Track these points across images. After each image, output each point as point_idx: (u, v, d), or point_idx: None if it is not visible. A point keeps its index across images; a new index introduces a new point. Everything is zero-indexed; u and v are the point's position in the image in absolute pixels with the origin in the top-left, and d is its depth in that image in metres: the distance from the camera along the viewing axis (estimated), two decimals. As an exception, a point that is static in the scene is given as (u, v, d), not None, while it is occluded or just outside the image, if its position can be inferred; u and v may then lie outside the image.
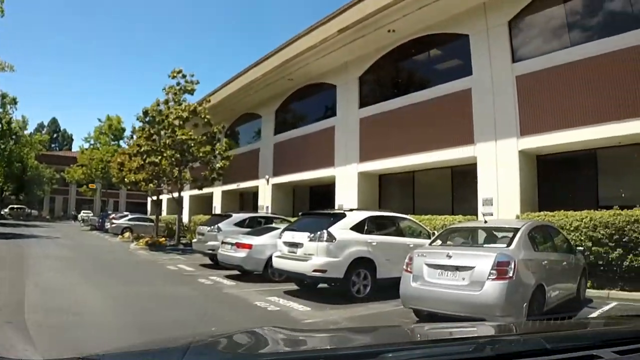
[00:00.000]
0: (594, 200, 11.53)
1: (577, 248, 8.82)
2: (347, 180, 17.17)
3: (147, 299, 8.67)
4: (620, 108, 10.38)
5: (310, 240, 9.11)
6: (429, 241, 8.22)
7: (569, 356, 1.57)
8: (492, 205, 12.47)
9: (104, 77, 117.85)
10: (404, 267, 7.12)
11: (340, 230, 9.17)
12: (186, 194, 28.49)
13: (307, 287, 9.97)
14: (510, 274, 6.05)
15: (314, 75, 19.58)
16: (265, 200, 22.60)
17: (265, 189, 22.73)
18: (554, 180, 12.81)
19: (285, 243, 9.79)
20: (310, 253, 9.04)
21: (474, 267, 6.25)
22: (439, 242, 7.81)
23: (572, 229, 9.96)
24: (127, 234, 25.63)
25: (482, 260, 6.26)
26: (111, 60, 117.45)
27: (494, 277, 6.05)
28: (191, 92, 21.57)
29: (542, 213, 10.87)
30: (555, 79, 11.62)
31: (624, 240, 9.30)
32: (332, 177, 17.96)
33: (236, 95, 23.64)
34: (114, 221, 29.76)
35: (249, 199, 26.28)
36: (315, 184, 21.22)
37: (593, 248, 9.61)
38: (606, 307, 8.34)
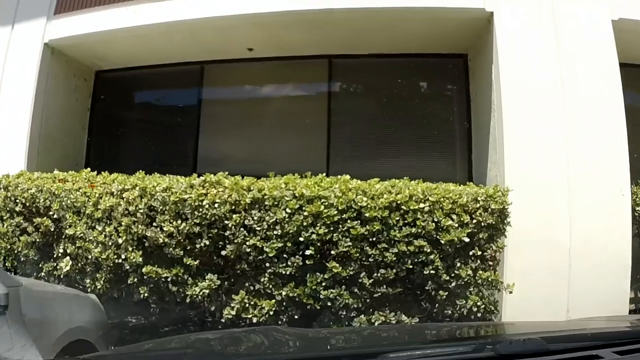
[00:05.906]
0: (191, 160, 6.54)
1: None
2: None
3: None
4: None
5: None
6: None
7: (569, 356, 1.45)
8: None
9: None
10: None
11: None
12: None
13: None
14: None
15: None
16: None
17: None
18: (123, 116, 7.17)
19: None
20: None
21: None
22: None
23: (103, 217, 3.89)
24: None
25: None
26: None
27: None
28: None
29: (60, 174, 4.37)
30: None
31: (227, 238, 3.76)
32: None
33: None
34: None
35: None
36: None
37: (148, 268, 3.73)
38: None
